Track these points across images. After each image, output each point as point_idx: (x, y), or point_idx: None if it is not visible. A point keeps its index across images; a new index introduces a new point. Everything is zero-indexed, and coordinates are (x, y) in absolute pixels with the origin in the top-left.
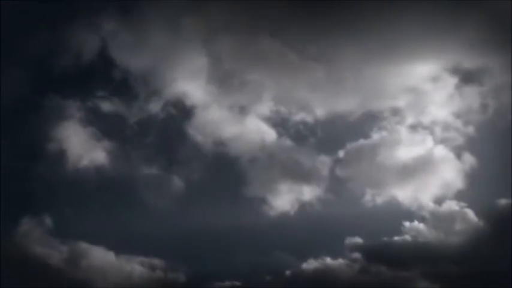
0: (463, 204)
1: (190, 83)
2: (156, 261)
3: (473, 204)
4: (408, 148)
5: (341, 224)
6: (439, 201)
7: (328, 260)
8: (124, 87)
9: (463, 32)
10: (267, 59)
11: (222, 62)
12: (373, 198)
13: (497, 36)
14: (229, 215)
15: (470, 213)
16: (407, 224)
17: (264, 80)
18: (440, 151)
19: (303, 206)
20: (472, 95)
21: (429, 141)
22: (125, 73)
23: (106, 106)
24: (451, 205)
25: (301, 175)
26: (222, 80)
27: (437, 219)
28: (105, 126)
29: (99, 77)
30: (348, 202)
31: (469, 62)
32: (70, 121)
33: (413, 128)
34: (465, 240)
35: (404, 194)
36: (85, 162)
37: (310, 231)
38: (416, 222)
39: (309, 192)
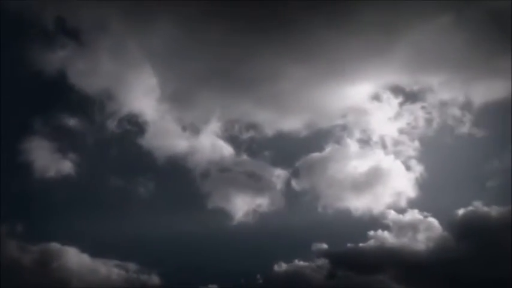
0: (426, 213)
1: (143, 102)
2: (130, 265)
3: (436, 214)
4: (359, 161)
5: (304, 231)
6: (402, 211)
7: (298, 264)
8: (83, 106)
9: (399, 53)
10: (214, 78)
11: (171, 81)
12: (328, 207)
13: (437, 56)
14: (192, 224)
15: (434, 222)
16: (371, 232)
17: (213, 98)
18: (391, 163)
19: (260, 215)
20: (416, 112)
21: (379, 155)
22: (83, 95)
23: (68, 123)
24: (414, 214)
25: (258, 187)
26: (173, 98)
27: (401, 228)
28: (68, 141)
29: (61, 98)
30: (303, 212)
31: (410, 81)
32: (36, 136)
33: (363, 142)
34: (431, 246)
35: (359, 203)
36: (51, 173)
37: (271, 238)
38: (380, 231)
39: (266, 203)
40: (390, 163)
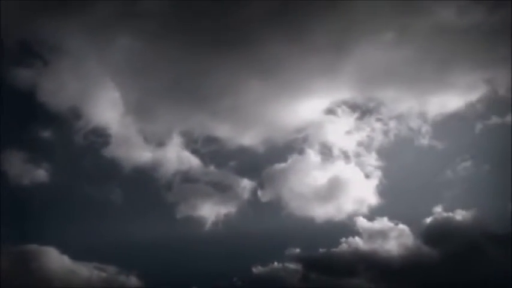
0: (396, 220)
1: (107, 115)
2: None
3: (403, 220)
4: (321, 172)
5: (276, 237)
6: (371, 218)
7: (274, 267)
8: (53, 121)
9: (349, 69)
10: (175, 91)
11: (133, 95)
12: (295, 215)
13: (386, 71)
14: (165, 229)
15: (404, 228)
16: (343, 238)
17: (174, 111)
18: (352, 173)
19: (229, 223)
20: (373, 125)
21: (340, 166)
22: (52, 110)
23: (41, 135)
24: (384, 221)
25: (226, 196)
26: (136, 111)
27: (372, 234)
28: (40, 152)
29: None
30: (272, 219)
31: (363, 96)
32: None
33: (324, 154)
34: (402, 251)
35: (324, 210)
36: (26, 181)
37: (243, 244)
38: (351, 238)
39: (234, 211)
40: (351, 173)
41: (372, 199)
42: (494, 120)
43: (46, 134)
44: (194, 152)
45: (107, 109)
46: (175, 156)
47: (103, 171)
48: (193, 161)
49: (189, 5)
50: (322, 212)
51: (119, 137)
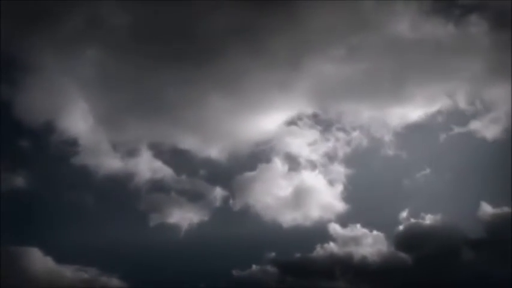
0: (367, 226)
1: (79, 127)
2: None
3: (375, 227)
4: (290, 181)
5: (251, 242)
6: (344, 224)
7: (252, 270)
8: (30, 132)
9: (304, 84)
10: (142, 103)
11: (102, 107)
12: (267, 221)
13: (342, 84)
14: (140, 237)
15: (376, 234)
16: (318, 244)
17: (142, 122)
18: (319, 182)
19: (202, 229)
20: (336, 135)
21: (307, 175)
22: (29, 123)
23: (18, 145)
24: (357, 227)
25: (198, 204)
26: (106, 122)
27: (346, 240)
28: (17, 161)
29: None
30: (245, 225)
31: (323, 108)
32: None
33: (291, 164)
34: (376, 255)
35: (296, 217)
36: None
37: (218, 249)
38: (326, 244)
39: (206, 218)
40: (318, 181)
41: (340, 206)
42: (458, 130)
43: (24, 144)
44: (165, 161)
45: (78, 121)
46: (146, 165)
47: (75, 179)
48: (164, 171)
49: (155, 21)
50: (293, 218)
51: (89, 147)
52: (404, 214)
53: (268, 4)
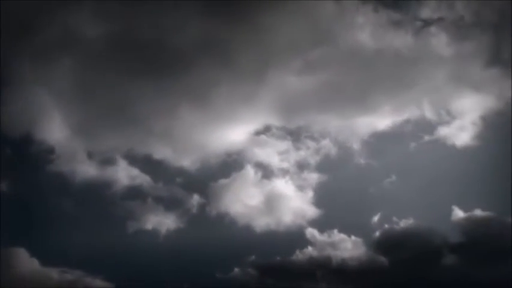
0: (346, 231)
1: (56, 136)
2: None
3: (354, 232)
4: (264, 189)
5: (230, 247)
6: (321, 229)
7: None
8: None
9: (269, 96)
10: (117, 113)
11: (78, 117)
12: (244, 226)
13: (307, 95)
14: (123, 242)
15: (355, 239)
16: (297, 249)
17: (117, 132)
18: (290, 189)
19: (180, 235)
20: (306, 144)
21: (278, 183)
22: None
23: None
24: (334, 233)
25: (175, 210)
26: (81, 132)
27: (324, 244)
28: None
29: None
30: (223, 231)
31: (290, 119)
32: None
33: (264, 172)
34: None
35: (269, 222)
36: None
37: (197, 254)
38: (305, 248)
39: (184, 225)
40: (290, 188)
41: (313, 212)
42: (426, 137)
43: (6, 152)
44: (141, 170)
45: (55, 131)
46: (123, 173)
47: (54, 186)
48: (140, 178)
49: (128, 34)
50: (269, 223)
51: (66, 156)
52: (375, 219)
53: (235, 18)
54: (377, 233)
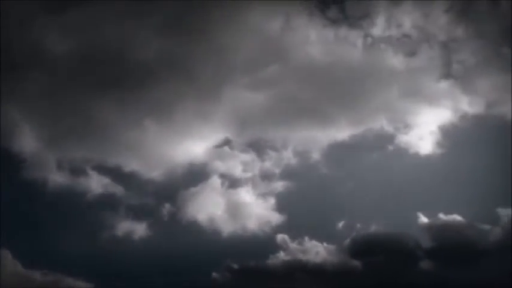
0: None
1: (28, 148)
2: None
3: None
4: (232, 196)
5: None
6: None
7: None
8: None
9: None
10: (84, 126)
11: (47, 129)
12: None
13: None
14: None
15: (328, 246)
16: (270, 255)
17: (85, 145)
18: (256, 198)
19: (152, 241)
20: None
21: (244, 192)
22: None
23: None
24: (304, 239)
25: (147, 218)
26: (52, 145)
27: (295, 250)
28: None
29: None
30: (194, 237)
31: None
32: None
33: (229, 182)
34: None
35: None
36: None
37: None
38: (277, 253)
39: (158, 231)
40: (256, 197)
41: (278, 218)
42: (387, 147)
43: None
44: (111, 180)
45: (26, 143)
46: (93, 183)
47: (27, 194)
48: (111, 188)
49: (95, 49)
50: (240, 229)
51: (38, 166)
52: (340, 226)
53: (194, 37)
54: (347, 240)
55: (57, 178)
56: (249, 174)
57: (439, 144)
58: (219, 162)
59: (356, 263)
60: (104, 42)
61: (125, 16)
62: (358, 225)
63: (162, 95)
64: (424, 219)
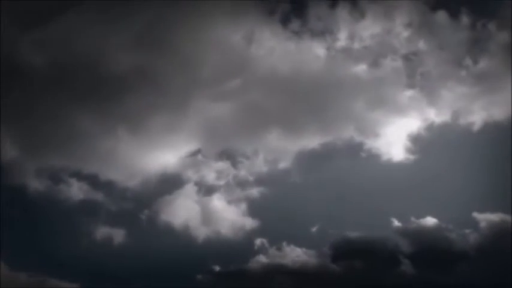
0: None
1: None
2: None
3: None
4: (207, 202)
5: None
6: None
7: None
8: None
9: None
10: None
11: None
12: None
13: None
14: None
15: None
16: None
17: (64, 152)
18: (229, 204)
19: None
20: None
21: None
22: None
23: None
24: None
25: (127, 224)
26: (30, 153)
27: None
28: None
29: None
30: (170, 241)
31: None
32: None
33: (204, 189)
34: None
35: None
36: None
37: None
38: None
39: (138, 236)
40: (229, 203)
41: (251, 223)
42: (360, 155)
43: None
44: (89, 188)
45: (4, 152)
46: (72, 190)
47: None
48: (89, 194)
49: (70, 60)
50: (218, 234)
51: (17, 173)
52: (314, 231)
53: (163, 50)
54: (324, 244)
55: (36, 185)
56: (222, 182)
57: (408, 151)
58: (193, 171)
59: (335, 267)
60: (80, 55)
61: (100, 30)
62: (332, 231)
63: (135, 106)
64: (397, 223)
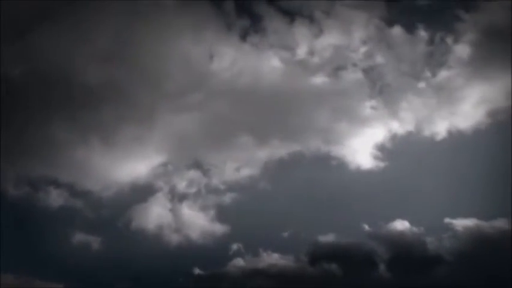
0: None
1: None
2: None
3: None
4: (180, 209)
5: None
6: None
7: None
8: None
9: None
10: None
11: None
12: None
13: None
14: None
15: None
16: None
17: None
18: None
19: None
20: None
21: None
22: None
23: None
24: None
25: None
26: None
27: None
28: None
29: None
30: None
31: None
32: None
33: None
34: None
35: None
36: None
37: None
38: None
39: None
40: (202, 210)
41: (222, 228)
42: (329, 163)
43: None
44: (67, 195)
45: None
46: (50, 198)
47: None
48: (68, 202)
49: (44, 72)
50: (194, 239)
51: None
52: (286, 236)
53: (131, 63)
54: (299, 250)
55: (17, 192)
56: (194, 190)
57: (376, 159)
58: (164, 180)
59: (313, 271)
60: (55, 67)
61: (73, 43)
62: (304, 236)
63: (106, 118)
64: (368, 228)
